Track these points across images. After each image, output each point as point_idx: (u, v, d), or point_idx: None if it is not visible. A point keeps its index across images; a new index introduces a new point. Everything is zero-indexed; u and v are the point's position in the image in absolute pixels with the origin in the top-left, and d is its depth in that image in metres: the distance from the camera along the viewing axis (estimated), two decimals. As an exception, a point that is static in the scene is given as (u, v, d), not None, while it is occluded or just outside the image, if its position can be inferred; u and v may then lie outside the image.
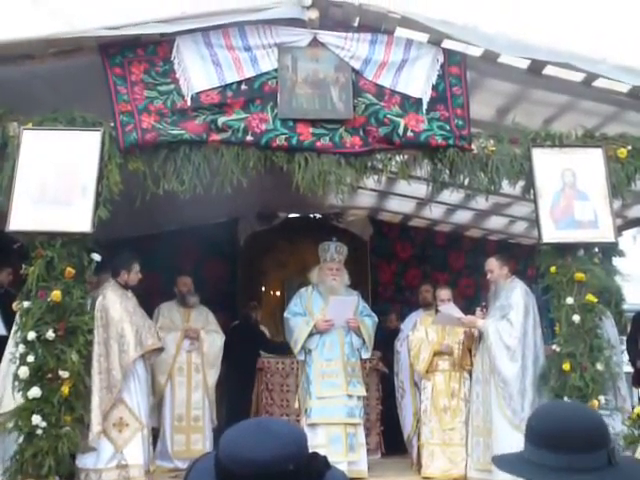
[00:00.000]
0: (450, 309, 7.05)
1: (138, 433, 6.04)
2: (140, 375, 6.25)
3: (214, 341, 7.96)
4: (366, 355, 7.26)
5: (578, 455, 1.83)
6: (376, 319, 7.32)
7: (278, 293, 11.31)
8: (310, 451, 1.73)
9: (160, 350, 6.80)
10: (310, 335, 6.90)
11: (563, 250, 6.18)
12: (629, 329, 8.50)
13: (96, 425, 5.75)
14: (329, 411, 6.71)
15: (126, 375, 6.06)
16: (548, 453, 1.86)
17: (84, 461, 5.78)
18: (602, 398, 5.85)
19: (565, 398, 5.76)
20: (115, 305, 6.18)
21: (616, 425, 6.02)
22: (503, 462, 2.01)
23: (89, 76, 5.88)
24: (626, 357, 8.61)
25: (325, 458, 1.71)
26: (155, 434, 7.15)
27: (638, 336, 8.37)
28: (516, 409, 6.20)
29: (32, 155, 5.76)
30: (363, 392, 7.03)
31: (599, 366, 5.92)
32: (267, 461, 1.61)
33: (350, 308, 7.06)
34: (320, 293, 7.20)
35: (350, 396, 6.82)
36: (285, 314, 7.20)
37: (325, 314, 6.95)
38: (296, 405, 7.10)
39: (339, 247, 7.40)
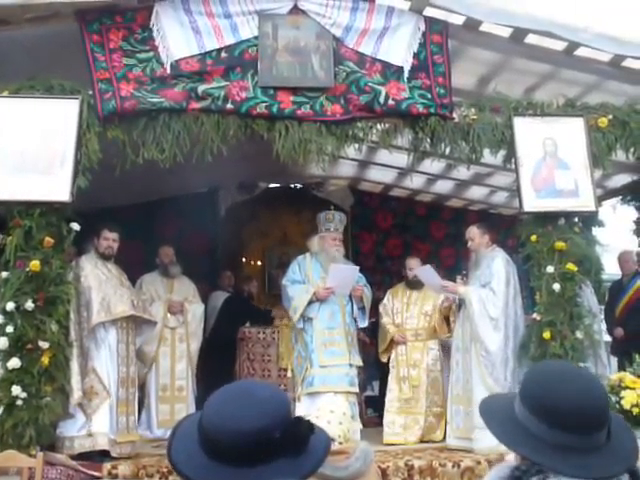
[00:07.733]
0: (431, 273, 6.99)
1: (105, 402, 6.02)
2: (112, 344, 6.18)
3: (195, 311, 8.01)
4: (363, 324, 7.24)
5: (579, 435, 1.67)
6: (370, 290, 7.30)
7: (259, 263, 11.30)
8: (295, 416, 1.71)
9: (151, 323, 6.81)
10: (309, 303, 6.79)
11: (544, 219, 6.21)
12: (607, 298, 8.57)
13: (77, 391, 5.74)
14: (332, 379, 6.65)
15: (96, 343, 6.06)
16: (549, 429, 1.68)
17: (61, 429, 5.79)
18: (581, 365, 5.90)
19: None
20: (86, 273, 6.14)
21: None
22: (494, 422, 1.79)
23: (67, 43, 5.78)
24: (604, 326, 8.70)
25: (309, 422, 1.70)
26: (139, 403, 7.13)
27: (614, 305, 8.46)
28: (498, 378, 6.24)
29: (9, 123, 5.67)
30: (360, 362, 7.01)
31: (579, 334, 5.98)
32: (253, 431, 1.60)
33: (351, 276, 6.96)
34: (320, 262, 7.10)
35: (351, 365, 6.79)
36: (283, 281, 7.07)
37: (326, 282, 6.84)
38: (289, 374, 7.04)
39: (343, 218, 7.37)
